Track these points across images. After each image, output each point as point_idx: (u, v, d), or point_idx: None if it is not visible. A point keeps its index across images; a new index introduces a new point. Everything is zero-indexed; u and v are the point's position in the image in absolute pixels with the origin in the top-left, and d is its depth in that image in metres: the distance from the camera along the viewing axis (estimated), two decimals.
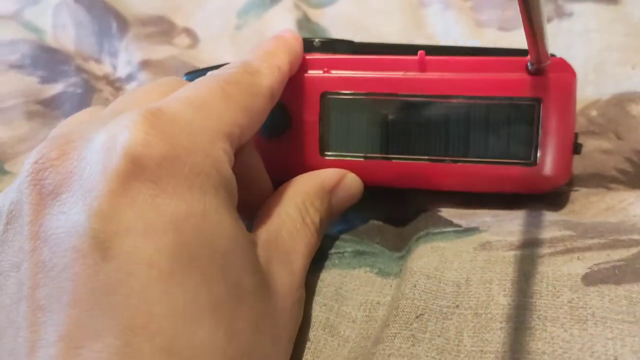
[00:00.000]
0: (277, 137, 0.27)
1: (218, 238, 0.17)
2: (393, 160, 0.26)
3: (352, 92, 0.26)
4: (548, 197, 0.30)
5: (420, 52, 0.25)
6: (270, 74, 0.22)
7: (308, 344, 0.21)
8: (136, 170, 0.16)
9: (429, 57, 0.25)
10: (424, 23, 0.44)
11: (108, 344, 0.14)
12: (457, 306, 0.20)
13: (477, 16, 0.42)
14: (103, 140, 0.17)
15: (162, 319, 0.15)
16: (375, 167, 0.26)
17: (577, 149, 0.25)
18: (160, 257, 0.15)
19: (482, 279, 0.21)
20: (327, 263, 0.25)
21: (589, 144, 0.32)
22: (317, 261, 0.25)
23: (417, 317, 0.20)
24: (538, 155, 0.25)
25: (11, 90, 0.35)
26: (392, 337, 0.19)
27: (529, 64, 0.24)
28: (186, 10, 0.47)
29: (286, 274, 0.20)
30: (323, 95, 0.26)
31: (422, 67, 0.25)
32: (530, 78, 0.24)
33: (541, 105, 0.25)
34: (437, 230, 0.25)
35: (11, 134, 0.32)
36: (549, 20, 0.40)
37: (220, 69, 0.22)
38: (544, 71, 0.24)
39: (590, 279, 0.19)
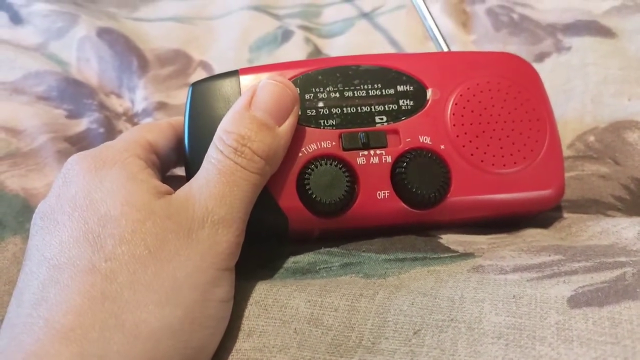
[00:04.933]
0: None
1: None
2: None
3: None
4: (547, 220, 0.31)
5: None
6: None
7: (294, 335, 0.22)
8: None
9: None
10: None
11: None
12: (452, 319, 0.21)
13: (480, 48, 0.44)
14: None
15: None
16: None
17: None
18: None
19: (474, 298, 0.22)
20: (316, 275, 0.26)
21: (588, 168, 0.33)
22: (306, 274, 0.26)
23: (415, 333, 0.21)
24: None
25: (40, 124, 0.37)
26: (392, 353, 0.21)
27: None
28: (202, 43, 0.49)
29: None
30: None
31: None
32: None
33: None
34: (435, 256, 0.26)
35: (45, 182, 0.34)
36: (548, 55, 0.41)
37: None
38: None
39: (575, 301, 0.21)
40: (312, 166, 0.27)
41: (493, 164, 0.28)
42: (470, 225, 0.30)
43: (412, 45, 0.47)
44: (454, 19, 0.47)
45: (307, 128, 0.27)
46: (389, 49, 0.47)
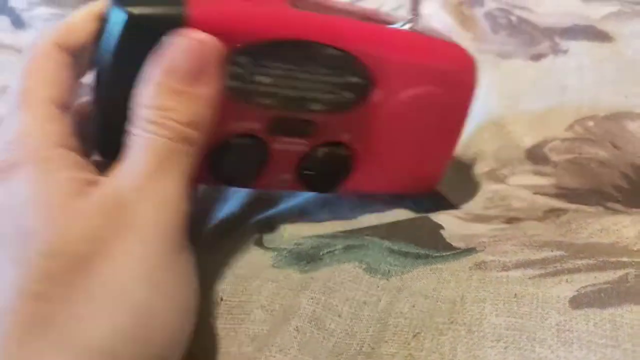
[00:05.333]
0: None
1: None
2: None
3: None
4: (546, 213, 0.31)
5: None
6: None
7: (295, 334, 0.22)
8: None
9: None
10: None
11: None
12: (452, 322, 0.21)
13: (478, 45, 0.44)
14: None
15: None
16: None
17: None
18: None
19: (476, 298, 0.22)
20: (320, 263, 0.26)
21: (586, 151, 0.33)
22: (310, 261, 0.26)
23: (414, 335, 0.21)
24: None
25: None
26: (391, 356, 0.21)
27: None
28: None
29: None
30: None
31: None
32: None
33: None
34: (437, 255, 0.26)
35: None
36: (545, 55, 0.42)
37: None
38: None
39: (577, 301, 0.21)
40: (231, 142, 0.25)
41: (393, 168, 0.30)
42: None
43: None
44: (453, 17, 0.47)
45: (240, 103, 0.24)
46: None
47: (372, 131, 0.28)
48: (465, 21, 0.47)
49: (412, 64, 0.28)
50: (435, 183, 0.32)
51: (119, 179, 0.21)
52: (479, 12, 0.47)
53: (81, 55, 0.24)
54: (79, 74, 0.24)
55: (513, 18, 0.45)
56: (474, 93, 0.30)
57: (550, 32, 0.43)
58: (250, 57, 0.24)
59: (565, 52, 0.41)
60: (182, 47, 0.21)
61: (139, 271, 0.20)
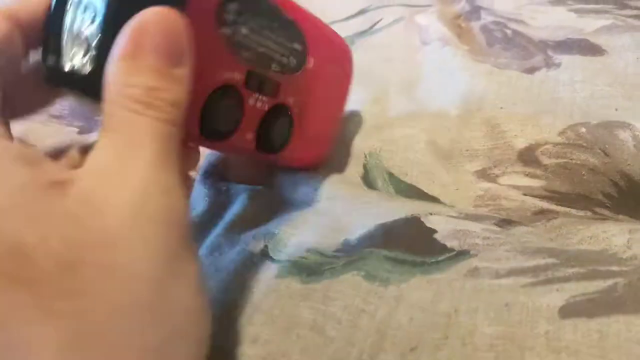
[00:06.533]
0: None
1: None
2: None
3: None
4: (537, 217, 0.32)
5: None
6: None
7: (296, 340, 0.23)
8: None
9: None
10: (425, 59, 0.47)
11: None
12: (447, 337, 0.22)
13: (473, 58, 0.45)
14: None
15: None
16: None
17: None
18: None
19: (469, 308, 0.23)
20: (320, 277, 0.27)
21: (577, 157, 0.34)
22: (311, 275, 0.27)
23: (411, 349, 0.22)
24: None
25: (52, 142, 0.38)
26: None
27: None
28: None
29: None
30: None
31: None
32: None
33: None
34: (433, 260, 0.26)
35: None
36: (538, 69, 0.42)
37: None
38: None
39: (566, 311, 0.22)
40: (219, 95, 0.26)
41: (313, 137, 0.34)
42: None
43: (409, 55, 0.48)
44: (449, 29, 0.48)
45: (227, 53, 0.25)
46: (387, 65, 0.48)
47: (304, 97, 0.31)
48: (461, 34, 0.48)
49: (328, 38, 0.33)
50: (325, 157, 0.36)
51: (111, 170, 0.18)
52: (475, 26, 0.48)
53: (31, 29, 0.22)
54: (23, 51, 0.23)
55: (508, 31, 0.46)
56: (352, 76, 0.36)
57: (544, 46, 0.44)
58: (236, 5, 0.25)
59: (558, 65, 0.42)
60: (164, 29, 0.20)
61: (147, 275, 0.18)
